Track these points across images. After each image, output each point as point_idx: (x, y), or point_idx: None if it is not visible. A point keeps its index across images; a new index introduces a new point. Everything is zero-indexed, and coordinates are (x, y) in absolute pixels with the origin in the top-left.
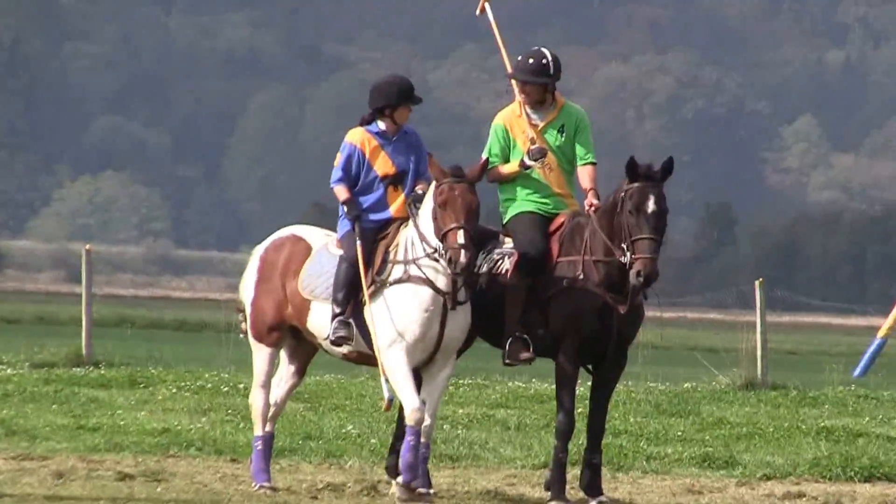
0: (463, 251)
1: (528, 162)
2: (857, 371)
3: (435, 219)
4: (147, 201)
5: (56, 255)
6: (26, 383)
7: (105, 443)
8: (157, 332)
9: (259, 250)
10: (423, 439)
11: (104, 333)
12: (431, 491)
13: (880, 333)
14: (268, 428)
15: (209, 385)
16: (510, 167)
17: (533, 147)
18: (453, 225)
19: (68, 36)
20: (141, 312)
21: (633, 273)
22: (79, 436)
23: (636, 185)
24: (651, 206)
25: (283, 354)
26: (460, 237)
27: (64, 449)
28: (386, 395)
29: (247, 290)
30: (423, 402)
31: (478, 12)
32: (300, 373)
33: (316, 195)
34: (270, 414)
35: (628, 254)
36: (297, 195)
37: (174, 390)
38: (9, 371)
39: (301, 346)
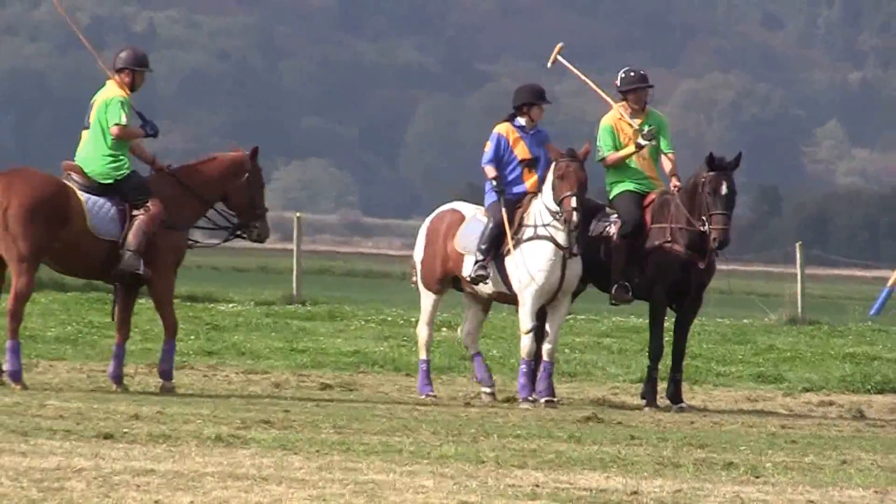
0: (575, 213)
1: (643, 142)
2: (872, 311)
3: (553, 188)
4: (341, 181)
5: (274, 221)
6: (251, 317)
7: (310, 361)
8: (349, 279)
9: (427, 221)
10: (546, 359)
11: (310, 280)
12: (555, 399)
13: (889, 283)
14: (427, 355)
15: (389, 318)
16: (626, 150)
17: (646, 131)
18: (567, 193)
19: (282, 55)
20: (338, 263)
21: (712, 239)
22: (291, 356)
23: (713, 173)
24: (724, 189)
25: (468, 300)
26: (573, 202)
27: (279, 366)
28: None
29: (417, 250)
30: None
31: (549, 65)
32: (485, 310)
33: (469, 177)
34: (470, 340)
35: (707, 225)
36: (455, 177)
37: (363, 322)
38: (238, 307)
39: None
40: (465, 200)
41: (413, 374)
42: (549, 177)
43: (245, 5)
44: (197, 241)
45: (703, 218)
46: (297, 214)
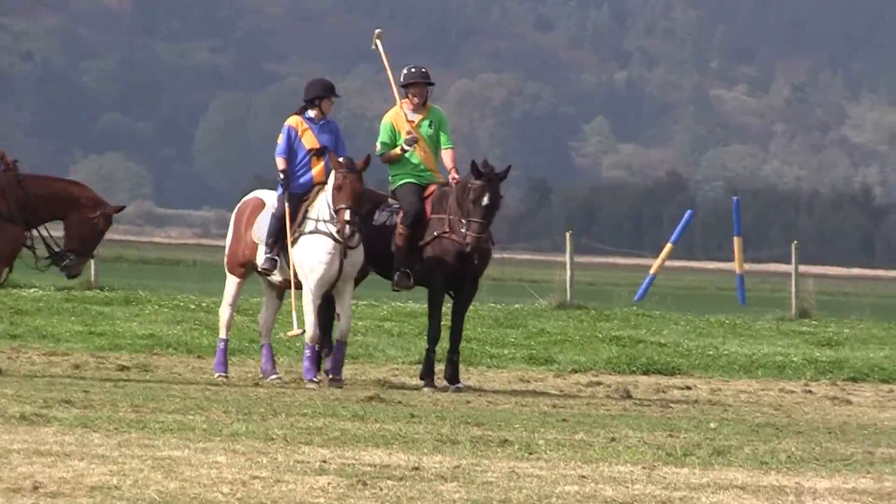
0: (348, 226)
1: (406, 146)
2: (637, 297)
3: (332, 198)
4: (137, 174)
5: None
6: (52, 301)
7: (108, 344)
8: (144, 267)
9: (236, 208)
10: (339, 338)
11: (106, 267)
12: (341, 379)
13: (652, 270)
14: (226, 335)
15: (181, 304)
16: (395, 151)
17: (407, 136)
18: (342, 205)
19: (83, 56)
20: (131, 251)
21: (465, 244)
22: (89, 339)
23: (479, 182)
24: (486, 200)
25: (266, 288)
26: (347, 215)
27: (79, 348)
28: (295, 327)
29: (228, 234)
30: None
31: (373, 47)
32: (280, 297)
33: (257, 169)
34: (265, 330)
35: (465, 228)
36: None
37: (157, 307)
38: (40, 292)
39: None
40: (256, 191)
41: (205, 356)
42: (330, 183)
43: (49, 8)
44: (29, 247)
45: (463, 221)
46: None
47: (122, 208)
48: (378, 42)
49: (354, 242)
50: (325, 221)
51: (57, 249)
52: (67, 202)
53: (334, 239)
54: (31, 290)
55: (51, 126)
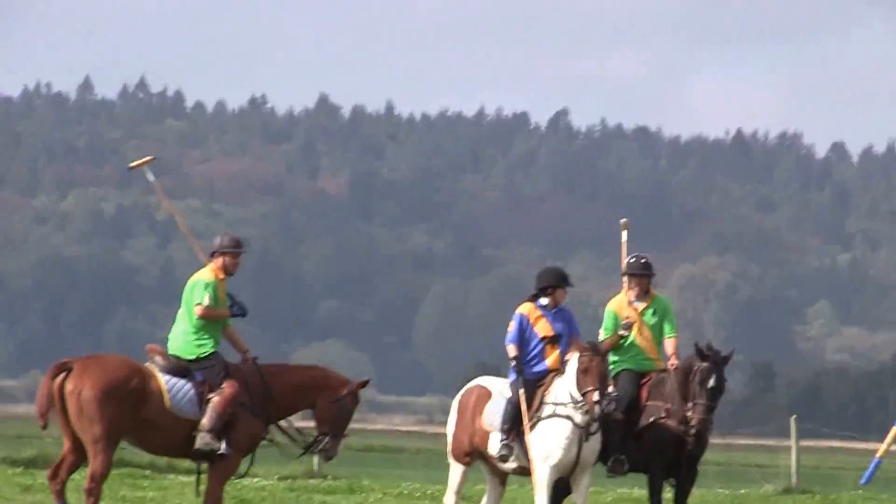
0: (597, 406)
1: (622, 332)
2: (863, 480)
3: (577, 381)
4: (357, 361)
5: None
6: (275, 491)
7: None
8: (366, 454)
9: (458, 395)
10: None
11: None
12: None
13: (879, 453)
14: None
15: (406, 492)
16: (611, 339)
17: (624, 322)
18: (590, 388)
19: (301, 239)
20: (354, 439)
21: (690, 425)
22: None
23: (706, 364)
24: (712, 382)
25: (489, 475)
26: (595, 396)
27: None
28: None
29: (450, 423)
30: None
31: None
32: (503, 483)
33: (478, 357)
34: None
35: (691, 411)
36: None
37: (381, 495)
38: (262, 482)
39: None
40: (478, 378)
41: None
42: (573, 367)
43: (264, 195)
44: (272, 441)
45: (689, 404)
46: None
47: (366, 383)
48: (624, 231)
49: (594, 428)
50: (563, 405)
51: (306, 439)
52: (315, 388)
53: (574, 424)
54: (255, 480)
55: (270, 313)
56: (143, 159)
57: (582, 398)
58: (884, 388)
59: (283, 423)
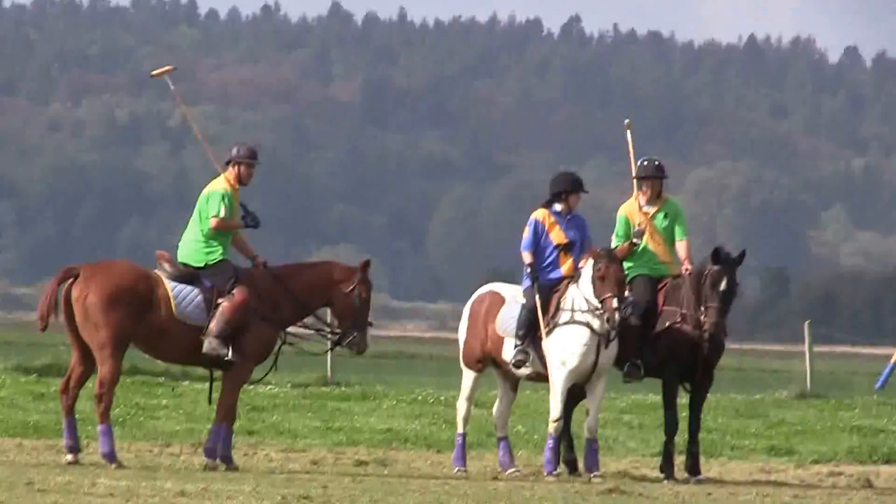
0: (616, 313)
1: (635, 240)
2: (878, 385)
3: (594, 287)
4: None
5: None
6: (289, 398)
7: (346, 439)
8: (380, 361)
9: (469, 301)
10: (589, 436)
11: (342, 362)
12: (600, 472)
13: (893, 358)
14: (464, 429)
15: (419, 398)
16: (624, 245)
17: (636, 229)
18: (608, 294)
19: (314, 145)
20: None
21: (703, 329)
22: (327, 434)
23: (716, 267)
24: (723, 285)
25: (501, 381)
26: (614, 303)
27: (316, 444)
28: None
29: (461, 329)
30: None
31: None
32: (514, 389)
33: (491, 263)
34: (501, 423)
35: (704, 315)
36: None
37: (395, 402)
38: (276, 389)
39: (508, 370)
40: (489, 284)
41: (443, 450)
42: (588, 273)
43: (276, 101)
44: (296, 341)
45: (702, 308)
46: None
47: (367, 263)
48: (628, 132)
49: (612, 335)
50: (581, 311)
51: (335, 331)
52: (325, 286)
53: (592, 330)
54: (268, 388)
55: (281, 218)
56: (165, 68)
57: (600, 305)
58: None
59: (308, 320)
